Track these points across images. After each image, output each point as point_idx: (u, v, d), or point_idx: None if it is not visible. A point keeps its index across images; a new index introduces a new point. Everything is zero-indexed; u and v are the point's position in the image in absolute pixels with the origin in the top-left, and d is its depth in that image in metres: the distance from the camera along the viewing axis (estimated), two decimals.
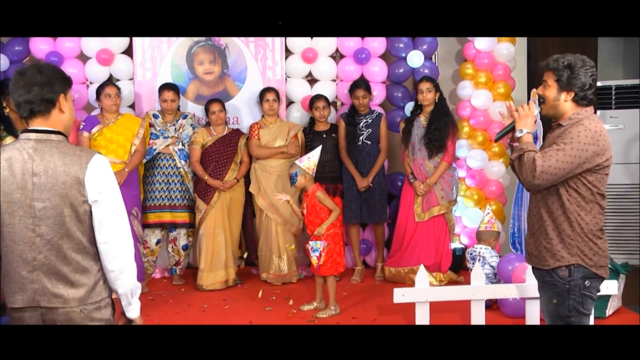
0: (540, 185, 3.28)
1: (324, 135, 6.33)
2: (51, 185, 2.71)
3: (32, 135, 2.77)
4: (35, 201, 2.72)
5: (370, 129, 6.33)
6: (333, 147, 6.27)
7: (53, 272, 2.75)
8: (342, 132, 6.42)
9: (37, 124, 2.79)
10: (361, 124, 6.35)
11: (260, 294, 5.53)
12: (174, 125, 6.30)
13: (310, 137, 6.39)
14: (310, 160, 5.28)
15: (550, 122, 3.49)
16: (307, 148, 6.32)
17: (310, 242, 5.16)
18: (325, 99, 6.43)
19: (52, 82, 2.77)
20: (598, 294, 3.48)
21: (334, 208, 5.30)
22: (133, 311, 2.89)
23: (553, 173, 3.20)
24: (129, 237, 2.85)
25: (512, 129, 3.70)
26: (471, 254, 5.45)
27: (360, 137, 6.34)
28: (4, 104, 5.42)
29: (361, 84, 6.36)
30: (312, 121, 6.47)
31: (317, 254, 5.12)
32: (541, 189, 3.35)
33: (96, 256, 2.82)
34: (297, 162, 5.32)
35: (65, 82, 2.83)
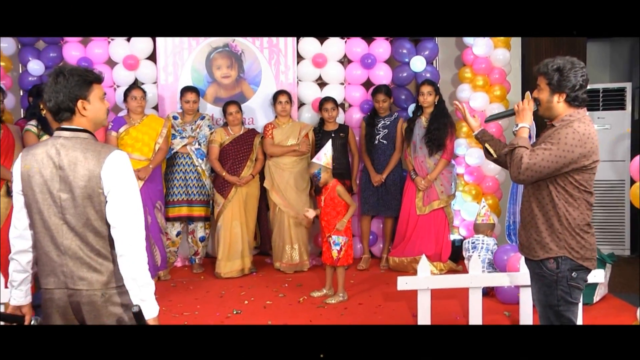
0: (525, 180, 3.30)
1: (333, 135, 6.32)
2: (73, 178, 2.75)
3: (62, 133, 2.82)
4: (60, 192, 2.76)
5: (387, 130, 6.34)
6: (341, 146, 6.28)
7: (78, 257, 2.79)
8: (362, 131, 6.47)
9: (66, 123, 2.83)
10: (379, 125, 6.37)
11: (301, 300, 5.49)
12: (191, 125, 6.31)
13: (320, 136, 6.39)
14: (327, 156, 5.30)
15: (545, 122, 3.48)
16: (317, 146, 6.33)
17: (333, 237, 5.16)
18: (334, 101, 6.43)
19: (70, 90, 2.79)
20: (587, 282, 3.48)
21: (351, 203, 5.32)
22: (148, 310, 2.75)
23: (537, 170, 3.21)
24: (139, 227, 2.80)
25: (504, 116, 3.77)
26: (473, 242, 5.42)
27: (377, 137, 6.35)
28: (41, 106, 5.45)
29: (382, 89, 6.37)
30: (322, 121, 6.47)
31: (338, 247, 5.14)
32: (526, 183, 3.37)
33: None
34: (315, 160, 5.32)
35: (86, 85, 2.83)
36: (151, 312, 2.76)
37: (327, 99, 6.41)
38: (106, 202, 2.77)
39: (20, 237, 2.91)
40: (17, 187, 2.87)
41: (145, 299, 2.76)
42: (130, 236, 2.77)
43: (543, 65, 3.34)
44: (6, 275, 3.09)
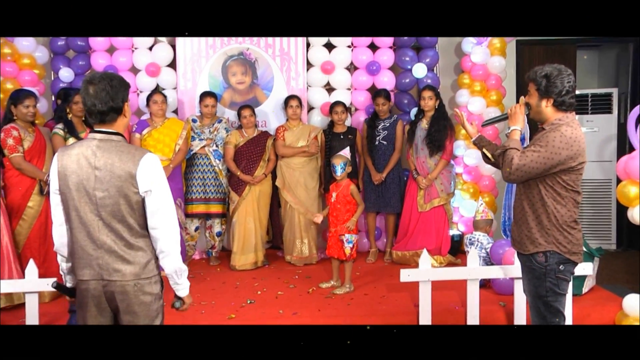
0: (515, 180, 3.33)
1: (341, 137, 6.34)
2: (109, 178, 2.77)
3: (97, 136, 2.84)
4: (96, 190, 2.79)
5: (386, 131, 6.33)
6: (349, 147, 6.27)
7: (112, 250, 2.81)
8: (363, 133, 6.47)
9: (101, 126, 2.86)
10: (379, 126, 6.36)
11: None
12: (209, 128, 6.32)
13: (330, 137, 6.41)
14: (349, 155, 5.36)
15: (537, 125, 3.49)
16: (327, 147, 6.37)
17: (347, 235, 5.13)
18: (343, 104, 6.45)
19: (119, 93, 2.84)
20: (576, 274, 3.50)
21: (360, 203, 5.32)
22: (182, 290, 2.96)
23: (526, 171, 3.23)
24: (175, 224, 2.89)
25: (499, 120, 3.77)
26: (470, 239, 5.43)
27: (377, 138, 6.35)
28: (67, 110, 5.48)
29: (382, 93, 6.37)
30: (331, 124, 6.48)
31: (351, 245, 5.13)
32: (517, 182, 3.39)
33: (147, 239, 2.87)
34: (342, 153, 5.35)
35: (127, 90, 2.91)
36: (184, 291, 2.97)
37: (337, 103, 6.43)
38: (141, 201, 2.81)
39: (59, 232, 2.96)
40: (54, 186, 2.90)
41: (180, 282, 2.93)
42: (170, 236, 2.85)
43: (532, 72, 3.36)
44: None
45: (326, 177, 6.39)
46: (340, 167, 5.22)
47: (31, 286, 4.28)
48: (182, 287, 2.95)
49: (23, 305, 4.43)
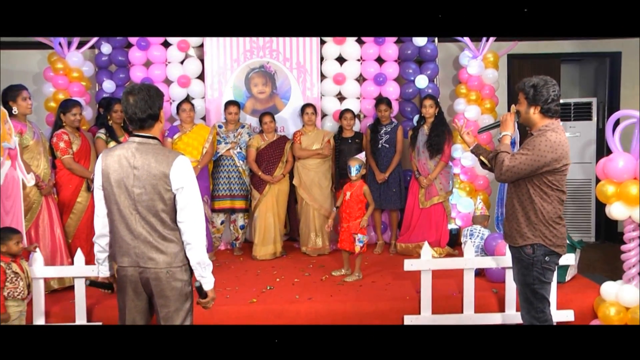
0: (506, 180, 3.36)
1: (350, 141, 6.37)
2: (146, 177, 2.81)
3: (136, 139, 2.89)
4: (134, 187, 2.83)
5: (388, 136, 6.34)
6: (356, 150, 6.25)
7: (148, 241, 2.85)
8: (367, 137, 6.46)
9: (140, 131, 2.90)
10: (381, 131, 6.36)
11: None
12: (233, 133, 6.36)
13: (339, 142, 6.43)
14: (364, 159, 5.37)
15: (526, 130, 3.53)
16: (337, 150, 6.40)
17: (359, 235, 5.12)
18: (352, 112, 6.46)
19: (156, 102, 2.89)
20: (560, 264, 3.52)
21: (372, 202, 5.32)
22: (206, 284, 2.95)
23: (515, 172, 3.27)
24: (202, 219, 2.91)
25: (493, 127, 3.79)
26: (471, 231, 5.38)
27: (380, 142, 6.35)
28: (108, 117, 5.55)
29: (384, 101, 6.38)
30: (341, 129, 6.49)
31: (361, 244, 5.13)
32: (507, 182, 3.42)
33: (178, 232, 2.90)
34: (358, 156, 5.36)
35: (162, 99, 2.95)
36: (209, 285, 2.95)
37: (347, 110, 6.45)
38: (172, 197, 2.84)
39: (100, 223, 3.01)
40: (97, 182, 2.94)
41: (205, 275, 2.92)
42: (196, 229, 2.87)
43: (522, 83, 3.39)
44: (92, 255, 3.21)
45: (336, 177, 6.41)
46: (355, 169, 5.23)
47: (79, 271, 4.39)
48: (206, 280, 2.94)
49: (72, 287, 4.52)
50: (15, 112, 4.83)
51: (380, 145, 6.35)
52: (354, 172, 5.23)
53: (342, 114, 6.43)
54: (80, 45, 6.66)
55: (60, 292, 4.95)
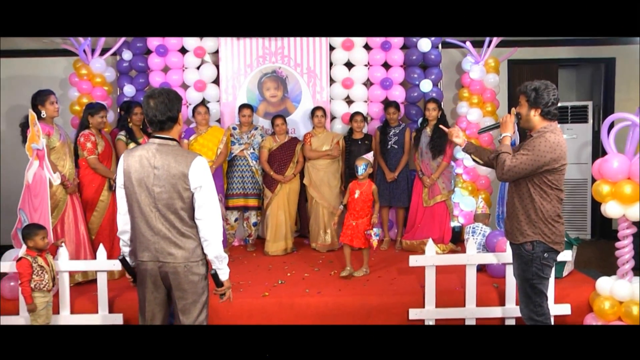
0: (507, 179, 3.36)
1: (359, 142, 6.37)
2: (165, 176, 2.84)
3: (156, 141, 2.92)
4: (154, 186, 2.86)
5: (396, 137, 6.33)
6: (366, 151, 6.21)
7: (167, 237, 2.88)
8: (377, 139, 6.46)
9: (160, 133, 2.93)
10: (390, 133, 6.36)
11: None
12: (247, 134, 6.38)
13: (349, 143, 6.41)
14: (371, 159, 5.38)
15: (526, 133, 3.52)
16: (347, 151, 6.40)
17: (374, 229, 5.12)
18: (362, 114, 6.46)
19: (175, 106, 2.91)
20: (558, 259, 3.51)
21: (377, 200, 5.30)
22: (223, 275, 3.00)
23: (516, 172, 3.26)
24: (218, 217, 2.93)
25: (493, 128, 3.78)
26: (473, 228, 5.37)
27: (389, 143, 6.35)
28: (129, 120, 5.59)
29: (392, 104, 6.39)
30: (351, 131, 6.48)
31: (377, 238, 5.12)
32: (509, 181, 3.42)
33: (195, 229, 2.93)
34: (365, 156, 5.35)
35: (181, 102, 2.97)
36: (224, 275, 3.01)
37: (357, 113, 6.43)
38: (191, 196, 2.86)
39: (122, 220, 3.03)
40: (119, 181, 2.97)
41: (221, 268, 2.97)
42: (213, 226, 2.90)
43: (523, 86, 3.39)
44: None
45: (346, 177, 6.39)
46: (362, 168, 5.22)
47: (101, 266, 4.43)
48: (222, 272, 3.00)
49: (95, 280, 4.56)
50: (43, 115, 4.89)
51: (389, 146, 6.35)
52: (361, 171, 5.22)
53: (353, 116, 6.42)
54: (103, 52, 6.72)
55: (84, 284, 5.00)
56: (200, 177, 2.87)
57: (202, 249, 2.96)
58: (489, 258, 4.57)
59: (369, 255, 5.36)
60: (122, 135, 5.52)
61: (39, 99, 4.91)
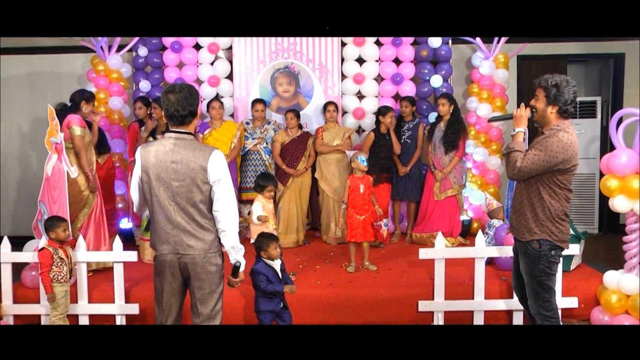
0: (518, 179, 3.30)
1: (387, 137, 6.20)
2: (184, 170, 2.86)
3: (173, 135, 2.94)
4: (173, 180, 2.88)
5: (410, 132, 6.33)
6: (390, 146, 6.22)
7: (186, 230, 2.91)
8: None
9: (178, 127, 2.95)
10: (404, 127, 6.36)
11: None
12: (260, 129, 6.39)
13: (379, 138, 6.17)
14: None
15: (536, 129, 3.42)
16: (378, 146, 6.15)
17: (384, 220, 5.13)
18: (393, 110, 6.20)
19: (195, 100, 2.94)
20: (565, 253, 3.47)
21: (372, 193, 5.32)
22: (242, 266, 3.05)
23: (527, 171, 3.20)
24: (234, 209, 2.96)
25: (503, 119, 3.71)
26: (489, 225, 5.39)
27: (403, 137, 6.34)
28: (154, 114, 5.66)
29: (406, 98, 6.39)
30: (378, 126, 6.25)
31: (387, 228, 5.13)
32: (519, 180, 3.34)
33: (213, 221, 2.96)
34: (356, 152, 5.37)
35: (199, 97, 3.00)
36: (243, 266, 3.04)
37: (388, 109, 6.17)
38: (209, 189, 2.89)
39: (139, 211, 3.10)
40: (136, 176, 3.00)
41: (238, 258, 3.00)
42: (230, 217, 2.93)
43: (543, 79, 3.25)
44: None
45: (379, 171, 6.12)
46: (365, 160, 5.22)
47: (117, 257, 4.49)
48: (241, 262, 3.03)
49: (111, 268, 4.62)
50: (85, 110, 5.19)
51: (402, 141, 6.33)
52: (366, 162, 5.20)
53: (384, 112, 6.14)
54: (120, 48, 6.77)
55: (101, 271, 5.07)
56: (219, 170, 2.89)
57: (219, 240, 2.99)
58: (497, 251, 4.56)
59: (368, 249, 5.32)
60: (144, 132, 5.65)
61: (86, 94, 5.24)
